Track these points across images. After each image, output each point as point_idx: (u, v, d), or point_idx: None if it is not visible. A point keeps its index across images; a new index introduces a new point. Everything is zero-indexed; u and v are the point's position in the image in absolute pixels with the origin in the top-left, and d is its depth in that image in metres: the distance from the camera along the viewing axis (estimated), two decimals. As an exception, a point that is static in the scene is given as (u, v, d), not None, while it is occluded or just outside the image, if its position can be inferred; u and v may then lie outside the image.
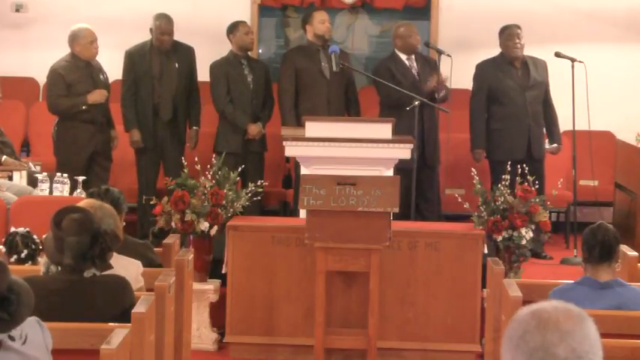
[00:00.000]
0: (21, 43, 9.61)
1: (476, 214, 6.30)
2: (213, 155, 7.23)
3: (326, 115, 7.58)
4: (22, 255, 4.88)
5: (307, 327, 6.05)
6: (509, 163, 6.75)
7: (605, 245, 4.19)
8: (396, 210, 5.74)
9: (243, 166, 7.08)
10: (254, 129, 7.92)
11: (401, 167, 6.61)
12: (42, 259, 4.11)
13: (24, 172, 7.34)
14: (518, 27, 7.90)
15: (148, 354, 3.87)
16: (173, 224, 6.20)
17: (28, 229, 4.97)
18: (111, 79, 8.02)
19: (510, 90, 7.88)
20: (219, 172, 6.33)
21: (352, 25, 9.76)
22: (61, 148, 7.71)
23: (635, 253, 5.11)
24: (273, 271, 6.24)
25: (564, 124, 8.17)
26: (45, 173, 7.12)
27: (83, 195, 6.38)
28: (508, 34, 7.89)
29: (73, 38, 7.68)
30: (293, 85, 7.88)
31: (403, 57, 7.83)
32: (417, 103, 7.24)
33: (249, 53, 8.24)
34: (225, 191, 6.26)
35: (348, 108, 8.04)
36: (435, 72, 7.71)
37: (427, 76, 7.70)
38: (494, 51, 8.12)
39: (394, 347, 6.17)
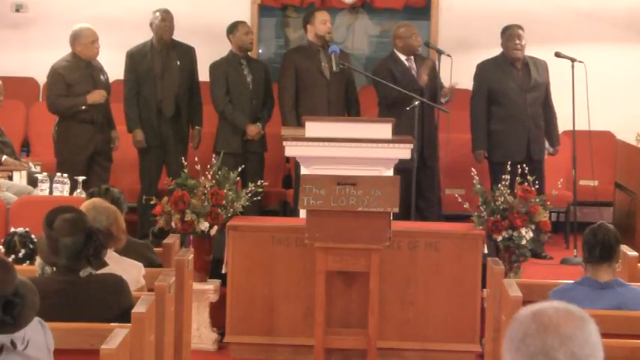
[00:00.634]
0: (21, 43, 9.61)
1: (476, 214, 6.30)
2: (213, 155, 7.23)
3: (326, 115, 7.58)
4: (20, 255, 4.88)
5: (307, 327, 6.05)
6: (508, 163, 6.76)
7: (605, 245, 4.19)
8: (396, 210, 5.74)
9: (243, 166, 7.08)
10: (253, 130, 7.92)
11: (401, 167, 6.60)
12: (37, 261, 4.10)
13: (24, 172, 7.34)
14: (520, 27, 7.89)
15: (148, 354, 3.87)
16: (173, 224, 6.20)
17: (27, 229, 4.97)
18: (111, 79, 8.02)
19: (510, 91, 7.87)
20: (219, 172, 6.33)
21: (352, 25, 9.76)
22: (61, 148, 7.71)
23: (635, 253, 5.11)
24: (273, 271, 6.24)
25: (564, 124, 8.16)
26: (45, 173, 7.13)
27: (83, 195, 6.38)
28: (509, 35, 7.88)
29: (75, 38, 7.68)
30: (293, 85, 7.88)
31: (403, 57, 7.82)
32: (416, 103, 7.24)
33: (249, 53, 8.24)
34: (225, 191, 6.26)
35: (348, 108, 8.04)
36: (426, 65, 7.70)
37: (428, 78, 7.69)
38: (494, 51, 8.12)
39: (394, 347, 6.17)
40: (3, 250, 4.94)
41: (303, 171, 6.43)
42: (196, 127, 8.16)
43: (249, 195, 6.38)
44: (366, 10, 9.71)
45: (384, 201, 5.64)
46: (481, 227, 6.25)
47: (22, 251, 4.89)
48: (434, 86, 7.71)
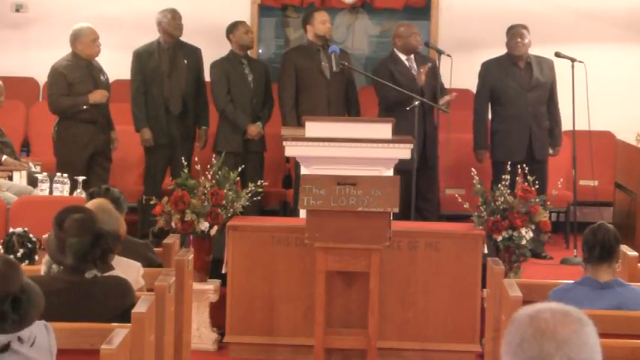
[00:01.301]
0: (21, 43, 9.61)
1: (476, 214, 6.30)
2: (213, 155, 7.23)
3: (326, 115, 7.58)
4: (19, 254, 4.89)
5: (307, 327, 6.05)
6: (509, 163, 6.77)
7: (605, 245, 4.19)
8: (396, 210, 5.74)
9: (243, 166, 7.07)
10: (254, 129, 7.92)
11: (401, 167, 6.60)
12: (44, 259, 4.12)
13: (24, 172, 7.34)
14: (524, 27, 7.88)
15: (148, 354, 3.87)
16: (173, 224, 6.19)
17: (25, 228, 4.98)
18: (111, 80, 8.03)
19: (511, 90, 7.87)
20: (219, 172, 6.33)
21: (352, 25, 9.76)
22: (61, 148, 7.71)
23: (635, 253, 5.10)
24: (273, 271, 6.24)
25: (564, 124, 8.16)
26: (45, 173, 7.13)
27: (83, 195, 6.38)
28: (512, 34, 7.88)
29: (75, 37, 7.68)
30: (293, 85, 7.88)
31: (403, 57, 7.82)
32: (416, 103, 7.24)
33: (249, 53, 8.25)
34: (225, 191, 6.26)
35: (348, 108, 8.04)
36: (424, 64, 7.69)
37: (428, 78, 7.68)
38: (494, 51, 8.12)
39: (394, 347, 6.17)
40: (2, 250, 4.95)
41: (303, 171, 6.43)
42: (203, 127, 8.17)
43: (249, 195, 6.38)
44: (366, 10, 9.71)
45: (384, 201, 5.65)
46: (481, 227, 6.25)
47: (21, 251, 4.89)
48: (434, 86, 7.71)
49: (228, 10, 9.13)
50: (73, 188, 6.97)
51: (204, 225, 6.19)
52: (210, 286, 6.34)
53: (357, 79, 8.44)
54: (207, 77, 8.21)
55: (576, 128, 8.02)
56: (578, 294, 4.11)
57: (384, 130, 6.51)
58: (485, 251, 6.18)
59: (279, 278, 6.24)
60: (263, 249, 6.24)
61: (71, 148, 7.65)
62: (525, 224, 6.20)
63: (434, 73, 7.77)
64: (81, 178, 7.00)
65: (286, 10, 9.72)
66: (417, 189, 7.27)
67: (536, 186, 6.32)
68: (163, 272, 4.57)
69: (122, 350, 3.40)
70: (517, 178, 6.37)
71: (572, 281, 4.34)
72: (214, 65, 8.06)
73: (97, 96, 7.64)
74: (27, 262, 4.90)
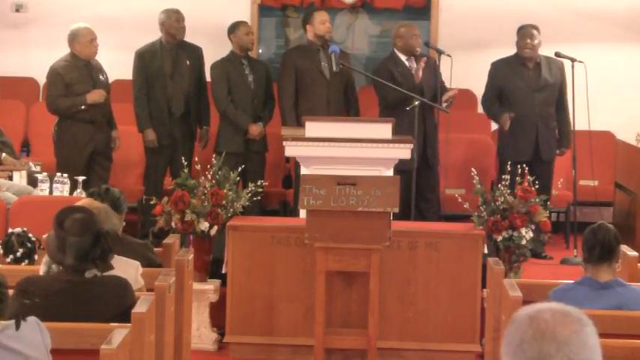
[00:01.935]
0: (21, 43, 9.61)
1: (476, 214, 6.30)
2: (214, 155, 7.23)
3: (326, 115, 7.58)
4: (18, 254, 4.89)
5: (307, 327, 6.05)
6: (509, 163, 6.76)
7: (605, 245, 4.19)
8: (396, 210, 5.74)
9: (243, 166, 7.07)
10: (255, 129, 7.92)
11: (401, 168, 6.60)
12: (44, 259, 4.12)
13: (24, 172, 7.34)
14: (535, 27, 7.86)
15: (148, 354, 3.87)
16: (173, 224, 6.19)
17: (24, 228, 4.98)
18: (111, 79, 8.03)
19: (519, 91, 7.84)
20: (220, 172, 6.33)
21: (352, 25, 9.76)
22: (61, 148, 7.71)
23: (635, 253, 5.11)
24: (273, 271, 6.24)
25: (564, 124, 8.17)
26: (45, 173, 7.13)
27: (83, 195, 6.38)
28: (521, 34, 7.86)
29: (73, 37, 7.68)
30: (293, 85, 7.88)
31: (403, 58, 7.82)
32: (417, 103, 7.24)
33: (249, 53, 8.24)
34: (225, 191, 6.26)
35: (347, 108, 8.03)
36: (432, 72, 7.69)
37: (427, 78, 7.68)
38: (494, 51, 8.12)
39: (394, 347, 6.17)
40: (1, 250, 4.95)
41: (303, 171, 6.43)
42: (204, 127, 8.17)
43: (249, 195, 6.38)
44: (366, 10, 9.71)
45: (384, 201, 5.64)
46: (481, 227, 6.25)
47: (20, 250, 4.89)
48: (434, 86, 7.70)
49: (229, 10, 9.13)
50: (73, 188, 6.97)
51: (204, 225, 6.19)
52: (210, 286, 6.34)
53: (356, 79, 8.44)
54: (207, 77, 8.21)
55: (576, 128, 8.02)
56: (578, 294, 4.11)
57: (384, 130, 6.51)
58: (486, 251, 6.18)
59: (279, 278, 6.24)
60: (263, 249, 6.24)
61: (71, 148, 7.65)
62: (525, 224, 6.20)
63: (434, 72, 7.77)
64: (81, 178, 7.00)
65: (286, 10, 9.72)
66: (417, 189, 7.27)
67: (537, 186, 6.31)
68: (163, 272, 4.57)
69: (122, 350, 3.40)
70: (517, 178, 6.35)
71: (572, 281, 4.34)
72: (215, 66, 8.06)
73: (94, 96, 7.64)
74: (26, 261, 4.90)
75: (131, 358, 3.61)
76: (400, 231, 6.12)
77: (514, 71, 7.87)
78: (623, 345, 3.79)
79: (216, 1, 9.47)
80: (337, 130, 6.51)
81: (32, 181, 7.23)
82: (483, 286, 5.73)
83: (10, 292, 3.33)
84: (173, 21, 7.98)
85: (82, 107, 7.62)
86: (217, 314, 6.35)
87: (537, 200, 6.26)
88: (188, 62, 8.05)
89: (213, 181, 6.28)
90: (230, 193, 6.29)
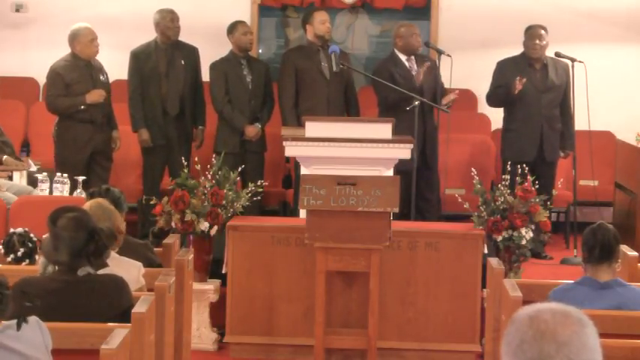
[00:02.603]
0: (21, 43, 9.61)
1: (476, 214, 6.30)
2: (214, 155, 7.23)
3: (326, 115, 7.58)
4: (19, 254, 4.89)
5: (307, 327, 6.05)
6: (509, 163, 6.77)
7: (605, 245, 4.19)
8: (396, 210, 5.74)
9: (243, 166, 7.07)
10: (251, 130, 7.92)
11: (401, 168, 6.60)
12: (40, 260, 4.12)
13: (24, 172, 7.34)
14: (543, 27, 7.85)
15: (148, 354, 3.87)
16: (173, 224, 6.19)
17: (26, 228, 4.98)
18: (111, 79, 8.03)
19: (526, 91, 7.80)
20: (219, 172, 6.34)
21: (352, 25, 9.76)
22: (61, 147, 7.71)
23: (635, 253, 5.11)
24: (273, 271, 6.24)
25: (564, 124, 8.17)
26: (45, 173, 7.13)
27: (83, 195, 6.38)
28: (530, 35, 7.83)
29: (73, 37, 7.68)
30: (293, 85, 7.88)
31: (403, 58, 7.82)
32: (416, 103, 7.24)
33: (249, 53, 8.24)
34: (225, 191, 6.26)
35: (347, 108, 8.03)
36: (425, 65, 7.68)
37: (427, 78, 7.68)
38: (495, 51, 8.12)
39: (394, 347, 6.17)
40: (2, 250, 4.95)
41: (303, 171, 6.43)
42: (200, 127, 8.17)
43: (249, 195, 6.38)
44: (366, 10, 9.71)
45: (384, 201, 5.65)
46: (481, 227, 6.25)
47: (21, 250, 4.89)
48: (434, 86, 7.70)
49: (228, 10, 9.13)
50: (73, 188, 6.97)
51: (204, 225, 6.19)
52: (210, 286, 6.34)
53: (356, 79, 8.44)
54: (205, 77, 8.21)
55: (576, 128, 8.02)
56: (578, 294, 4.11)
57: (384, 130, 6.51)
58: (486, 251, 6.18)
59: (279, 278, 6.24)
60: (263, 249, 6.24)
61: (71, 148, 7.65)
62: (525, 224, 6.20)
63: (434, 73, 7.77)
64: (81, 178, 7.00)
65: (286, 10, 9.72)
66: (417, 189, 7.27)
67: (537, 186, 6.31)
68: (163, 272, 4.57)
69: (122, 350, 3.40)
70: (518, 178, 6.35)
71: (572, 281, 4.34)
72: (213, 66, 8.06)
73: (94, 96, 7.64)
74: (27, 261, 4.90)
75: (131, 358, 3.61)
76: (400, 231, 6.12)
77: (521, 71, 7.83)
78: (623, 345, 3.79)
79: (216, 1, 9.47)
80: (337, 130, 6.51)
81: (32, 181, 7.23)
82: (483, 286, 5.73)
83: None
84: (167, 21, 7.97)
85: (82, 107, 7.62)
86: (217, 314, 6.35)
87: (537, 200, 6.26)
88: (183, 62, 8.04)
89: (213, 181, 6.28)
90: (230, 193, 6.29)
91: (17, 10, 9.67)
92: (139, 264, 4.45)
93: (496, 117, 8.49)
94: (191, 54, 8.13)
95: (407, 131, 6.98)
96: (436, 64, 7.82)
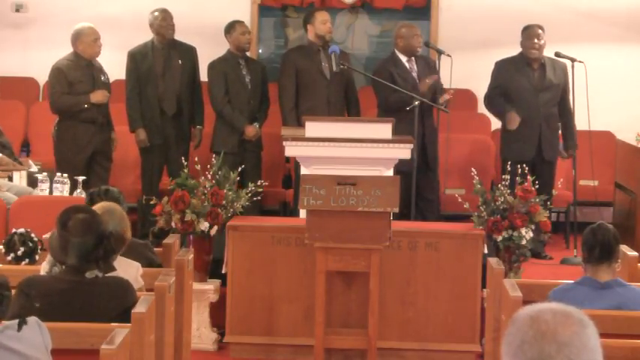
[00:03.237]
0: (21, 43, 9.61)
1: (476, 214, 6.30)
2: (214, 155, 7.24)
3: (326, 115, 7.58)
4: (19, 253, 4.89)
5: (307, 327, 6.05)
6: (509, 163, 6.77)
7: (605, 245, 4.19)
8: (396, 210, 5.74)
9: (242, 166, 7.07)
10: (251, 130, 7.92)
11: (401, 168, 6.60)
12: (47, 258, 4.12)
13: (24, 173, 7.34)
14: (540, 27, 7.84)
15: (148, 354, 3.87)
16: (173, 224, 6.19)
17: (28, 229, 4.98)
18: (111, 79, 8.02)
19: (524, 91, 7.81)
20: (219, 172, 6.33)
21: (352, 25, 9.76)
22: (61, 148, 7.71)
23: (635, 253, 5.10)
24: (273, 271, 6.24)
25: (564, 124, 8.16)
26: (45, 173, 7.12)
27: (83, 195, 6.38)
28: (528, 35, 7.82)
29: (76, 37, 7.68)
30: (293, 86, 7.87)
31: (403, 59, 7.81)
32: (416, 103, 7.24)
33: (247, 53, 8.24)
34: (225, 191, 6.26)
35: (348, 108, 8.04)
36: (433, 74, 7.68)
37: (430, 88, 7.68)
38: (495, 51, 8.12)
39: (394, 347, 6.17)
40: (3, 250, 4.96)
41: (303, 171, 6.43)
42: (198, 127, 8.17)
43: (249, 195, 6.38)
44: (366, 10, 9.71)
45: (384, 201, 5.65)
46: (481, 227, 6.25)
47: (22, 249, 4.90)
48: (433, 87, 7.69)
49: (228, 9, 9.13)
50: (73, 188, 6.97)
51: (204, 225, 6.19)
52: (210, 286, 6.34)
53: (356, 79, 8.44)
54: (203, 77, 8.20)
55: (576, 128, 8.02)
56: (578, 294, 4.11)
57: (384, 130, 6.51)
58: (486, 251, 6.18)
59: (279, 278, 6.24)
60: (263, 249, 6.24)
61: (71, 148, 7.65)
62: (525, 224, 6.20)
63: (433, 73, 7.76)
64: (81, 178, 7.00)
65: (286, 10, 9.72)
66: (417, 189, 7.27)
67: (537, 186, 6.31)
68: (163, 272, 4.57)
69: (122, 350, 3.40)
70: (518, 178, 6.35)
71: (572, 281, 4.34)
72: (212, 66, 8.06)
73: (98, 96, 7.65)
74: (27, 260, 4.91)
75: (131, 358, 3.61)
76: (400, 231, 6.12)
77: (519, 71, 7.85)
78: (623, 345, 3.79)
79: (216, 1, 9.47)
80: (337, 130, 6.51)
81: (32, 182, 7.23)
82: (483, 286, 5.72)
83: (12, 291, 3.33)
84: (160, 20, 7.97)
85: (85, 106, 7.61)
86: (217, 314, 6.35)
87: (537, 200, 6.25)
88: (180, 62, 8.04)
89: (213, 181, 6.28)
90: (230, 193, 6.29)
91: (17, 10, 9.67)
92: (138, 264, 4.45)
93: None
94: (188, 53, 8.13)
95: (407, 131, 6.98)
96: (436, 64, 7.82)
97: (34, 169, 7.46)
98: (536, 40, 7.79)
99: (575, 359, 1.95)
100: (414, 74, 7.76)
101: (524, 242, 6.20)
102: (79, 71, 7.67)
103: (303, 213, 5.95)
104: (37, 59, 9.08)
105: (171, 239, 5.50)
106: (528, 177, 6.29)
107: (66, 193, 6.93)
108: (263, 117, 8.12)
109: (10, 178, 7.27)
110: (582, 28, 9.41)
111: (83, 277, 3.80)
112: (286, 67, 7.96)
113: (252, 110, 8.04)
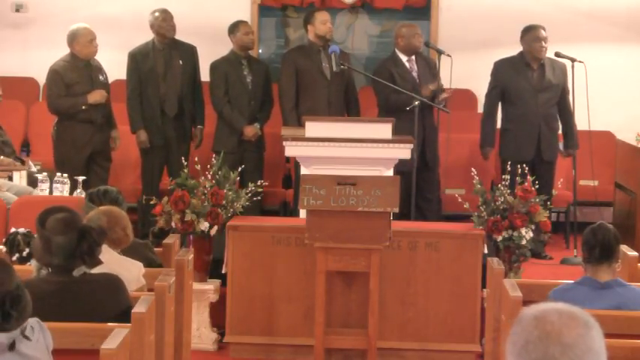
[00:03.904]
0: (21, 43, 9.62)
1: (476, 214, 6.30)
2: (214, 155, 7.24)
3: (326, 115, 7.58)
4: (24, 254, 4.88)
5: (307, 327, 6.05)
6: (509, 163, 6.77)
7: (605, 245, 4.19)
8: (396, 210, 5.74)
9: (242, 166, 7.07)
10: (250, 131, 7.92)
11: (401, 168, 6.60)
12: (32, 263, 4.09)
13: (24, 173, 7.34)
14: (543, 28, 7.85)
15: (148, 354, 3.87)
16: (173, 224, 6.19)
17: (29, 229, 4.97)
18: (111, 79, 8.03)
19: (523, 91, 7.82)
20: (219, 172, 6.33)
21: (352, 25, 9.76)
22: (61, 148, 7.71)
23: (635, 253, 5.11)
24: (273, 271, 6.24)
25: (564, 124, 8.16)
26: (45, 173, 7.13)
27: (83, 195, 6.38)
28: (535, 36, 7.80)
29: (73, 37, 7.68)
30: (294, 86, 7.87)
31: (404, 58, 7.81)
32: (416, 103, 7.24)
33: (250, 53, 8.24)
34: (225, 191, 6.26)
35: (348, 108, 8.04)
36: (435, 79, 7.68)
37: (427, 79, 7.68)
38: (495, 50, 8.12)
39: (394, 347, 6.17)
40: (4, 249, 4.94)
41: (303, 171, 6.43)
42: (198, 127, 8.17)
43: (249, 195, 6.38)
44: (366, 10, 9.71)
45: (384, 201, 5.64)
46: (481, 227, 6.25)
47: (27, 250, 4.88)
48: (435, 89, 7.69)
49: (228, 10, 9.13)
50: (73, 188, 6.97)
51: (204, 225, 6.19)
52: (210, 286, 6.34)
53: (356, 79, 8.44)
54: (204, 76, 8.20)
55: (577, 128, 8.02)
56: (578, 294, 4.11)
57: (384, 130, 6.51)
58: (486, 251, 6.18)
59: (279, 278, 6.24)
60: (263, 249, 6.24)
61: (70, 148, 7.65)
62: (525, 224, 6.20)
63: (433, 74, 7.77)
64: (81, 178, 7.00)
65: (286, 10, 9.73)
66: (417, 189, 7.27)
67: (537, 186, 6.31)
68: (163, 272, 4.57)
69: (122, 350, 3.40)
70: (518, 178, 6.35)
71: (572, 281, 4.34)
72: (214, 66, 8.06)
73: (96, 96, 7.65)
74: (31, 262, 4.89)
75: (131, 358, 3.60)
76: (400, 231, 6.12)
77: (518, 71, 7.85)
78: (623, 345, 3.79)
79: (216, 1, 9.47)
80: (337, 130, 6.51)
81: (32, 181, 7.23)
82: (483, 286, 5.73)
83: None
84: (160, 20, 7.97)
85: (83, 107, 7.62)
86: (217, 314, 6.35)
87: (537, 200, 6.25)
88: (181, 62, 8.04)
89: (213, 181, 6.28)
90: (230, 193, 6.29)
91: (17, 10, 9.68)
92: (140, 264, 4.45)
93: (496, 117, 8.48)
94: (189, 53, 8.13)
95: (407, 131, 6.98)
96: (436, 64, 7.82)
97: (34, 169, 7.46)
98: (543, 43, 7.79)
99: None
100: (415, 74, 7.76)
101: (524, 242, 6.20)
102: (75, 72, 7.67)
103: (303, 213, 5.95)
104: (37, 59, 9.08)
105: (171, 239, 5.50)
106: (528, 177, 6.29)
107: (66, 193, 6.93)
108: (265, 117, 8.11)
109: (10, 178, 7.28)
110: (582, 28, 9.41)
111: (71, 276, 3.77)
112: (286, 67, 7.96)
113: (253, 111, 8.04)
